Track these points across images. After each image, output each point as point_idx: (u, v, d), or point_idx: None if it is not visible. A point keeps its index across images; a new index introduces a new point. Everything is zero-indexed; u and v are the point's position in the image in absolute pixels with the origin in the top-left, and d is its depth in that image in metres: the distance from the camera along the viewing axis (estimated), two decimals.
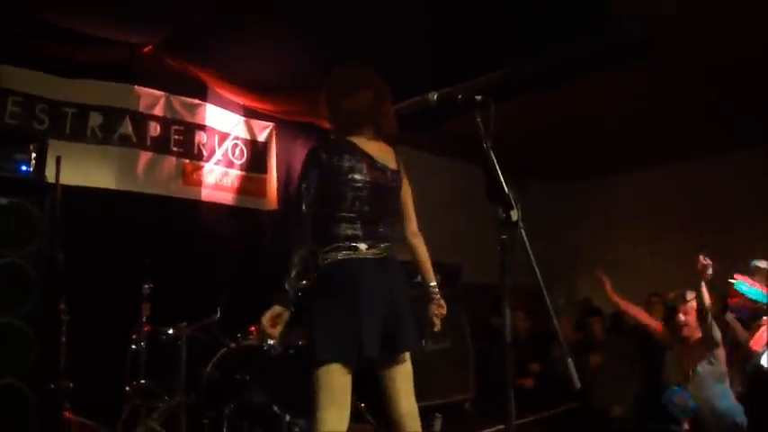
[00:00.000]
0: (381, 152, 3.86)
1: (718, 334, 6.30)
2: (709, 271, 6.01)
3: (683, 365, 6.45)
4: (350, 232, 3.63)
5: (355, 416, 6.97)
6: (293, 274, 3.55)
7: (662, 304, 8.99)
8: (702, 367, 6.33)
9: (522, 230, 2.75)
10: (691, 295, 6.51)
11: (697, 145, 10.38)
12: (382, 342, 3.53)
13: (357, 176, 3.67)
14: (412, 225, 4.05)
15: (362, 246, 3.63)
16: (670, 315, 6.83)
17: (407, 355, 3.79)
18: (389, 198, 3.84)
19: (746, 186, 10.41)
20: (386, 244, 3.74)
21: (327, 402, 3.47)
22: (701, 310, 6.28)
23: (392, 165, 3.88)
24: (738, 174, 10.53)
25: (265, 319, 3.56)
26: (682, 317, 6.48)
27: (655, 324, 7.04)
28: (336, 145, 3.78)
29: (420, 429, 3.79)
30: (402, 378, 3.78)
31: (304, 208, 3.63)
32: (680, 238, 11.13)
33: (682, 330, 6.48)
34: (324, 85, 4.01)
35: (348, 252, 3.61)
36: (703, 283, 6.10)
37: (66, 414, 5.68)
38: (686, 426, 6.41)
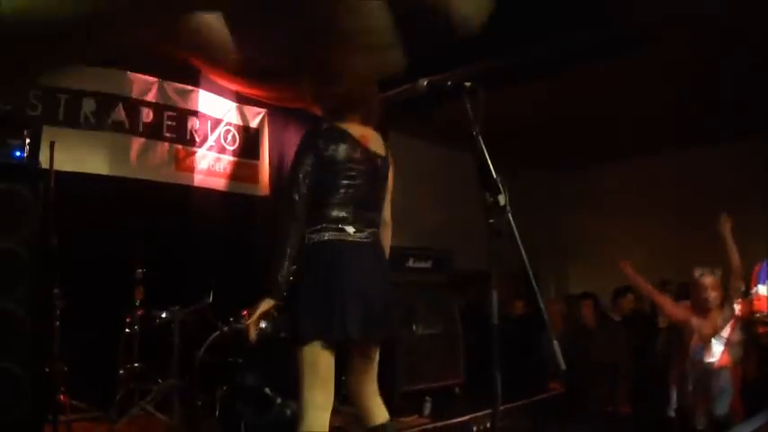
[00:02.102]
0: (372, 139, 3.83)
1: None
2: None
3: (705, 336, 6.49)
4: (338, 215, 3.60)
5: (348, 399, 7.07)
6: (285, 265, 3.50)
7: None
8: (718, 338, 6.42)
9: (510, 215, 2.79)
10: (718, 272, 6.58)
11: (687, 134, 10.43)
12: (364, 325, 3.50)
13: (352, 165, 3.65)
14: (386, 213, 3.97)
15: (350, 228, 3.61)
16: (695, 293, 6.82)
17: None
18: (379, 184, 3.83)
19: (735, 176, 10.49)
20: (373, 229, 3.75)
21: (312, 382, 3.47)
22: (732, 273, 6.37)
23: (382, 151, 3.85)
24: (727, 163, 10.60)
25: (254, 315, 3.54)
26: (711, 293, 6.51)
27: (680, 312, 6.99)
28: (330, 133, 3.70)
29: (383, 407, 3.80)
30: (375, 365, 3.82)
31: (297, 197, 3.56)
32: (668, 226, 11.23)
33: (709, 305, 6.52)
34: (308, 69, 3.98)
35: (334, 233, 3.58)
36: (728, 239, 6.15)
37: (61, 397, 5.73)
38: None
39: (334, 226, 3.59)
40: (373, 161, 3.76)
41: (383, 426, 3.76)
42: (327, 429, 3.47)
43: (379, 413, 3.78)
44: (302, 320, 3.47)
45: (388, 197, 3.95)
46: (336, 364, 3.54)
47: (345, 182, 3.63)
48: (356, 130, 3.75)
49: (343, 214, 3.61)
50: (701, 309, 6.51)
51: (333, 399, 3.55)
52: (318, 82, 3.86)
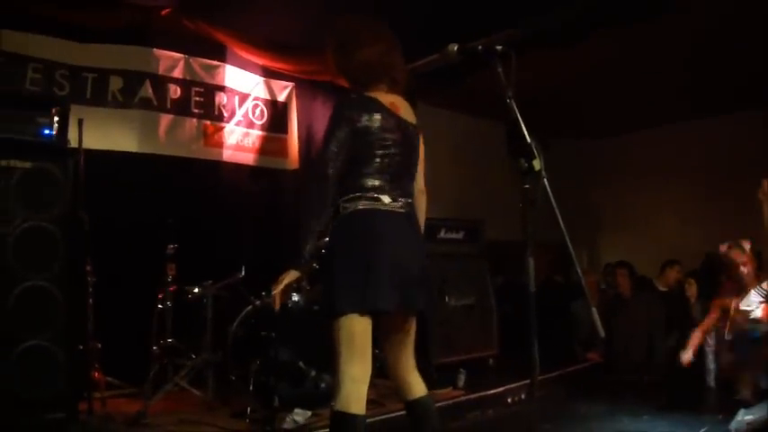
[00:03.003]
0: (402, 106, 3.71)
1: None
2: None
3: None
4: (373, 184, 3.49)
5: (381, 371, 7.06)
6: (314, 238, 3.40)
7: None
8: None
9: (546, 180, 2.73)
10: (747, 244, 6.49)
11: (718, 102, 10.27)
12: (399, 295, 3.39)
13: (387, 135, 3.54)
14: (420, 181, 3.85)
15: (385, 198, 3.50)
16: (727, 271, 6.75)
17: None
18: (413, 153, 3.71)
19: (765, 144, 10.33)
20: (408, 199, 3.63)
21: (349, 355, 3.37)
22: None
23: (412, 119, 3.73)
24: (760, 131, 10.42)
25: (278, 286, 3.41)
26: (743, 269, 6.44)
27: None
28: (362, 102, 3.60)
29: (421, 382, 3.69)
30: (412, 337, 3.72)
31: (331, 171, 3.43)
32: (699, 195, 11.09)
33: (744, 280, 6.45)
34: (329, 37, 3.79)
35: (369, 202, 3.48)
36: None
37: (96, 374, 5.78)
38: None
39: (370, 195, 3.48)
40: (405, 129, 3.65)
41: (421, 400, 3.66)
42: (365, 402, 3.38)
43: (417, 387, 3.67)
44: (337, 292, 3.36)
45: (421, 166, 3.83)
46: (372, 337, 3.47)
47: (380, 151, 3.53)
48: (385, 98, 3.64)
49: (378, 183, 3.50)
50: (738, 287, 6.45)
51: (370, 371, 3.45)
52: (340, 52, 3.74)
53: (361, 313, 3.35)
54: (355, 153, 3.50)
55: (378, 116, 3.53)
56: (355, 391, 3.35)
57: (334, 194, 3.46)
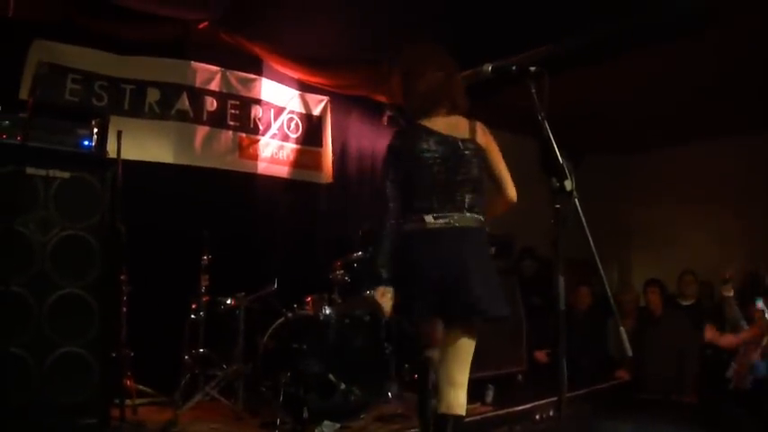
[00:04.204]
0: (450, 124, 3.93)
1: None
2: None
3: None
4: (421, 205, 3.79)
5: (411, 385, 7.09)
6: (381, 257, 3.82)
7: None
8: None
9: (577, 200, 2.77)
10: None
11: (756, 119, 10.18)
12: (431, 306, 3.71)
13: (427, 155, 3.81)
14: (497, 183, 4.09)
15: (429, 217, 3.76)
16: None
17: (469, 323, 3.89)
18: (463, 167, 3.86)
19: None
20: (460, 214, 3.80)
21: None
22: None
23: (463, 134, 3.91)
24: None
25: (388, 306, 3.81)
26: None
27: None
28: (405, 132, 3.99)
29: (454, 399, 3.80)
30: (456, 349, 3.86)
31: (391, 205, 3.84)
32: (732, 213, 10.98)
33: None
34: (394, 69, 4.19)
35: (414, 224, 3.79)
36: None
37: (128, 382, 5.83)
38: None
39: (416, 216, 3.79)
40: (453, 145, 3.85)
41: (443, 416, 3.79)
42: None
43: (443, 402, 3.80)
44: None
45: (501, 174, 4.04)
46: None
47: (426, 171, 3.81)
48: (440, 122, 3.92)
49: (425, 204, 3.79)
50: None
51: None
52: (404, 80, 4.03)
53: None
54: (406, 177, 3.85)
55: (418, 141, 3.85)
56: None
57: (395, 218, 3.85)
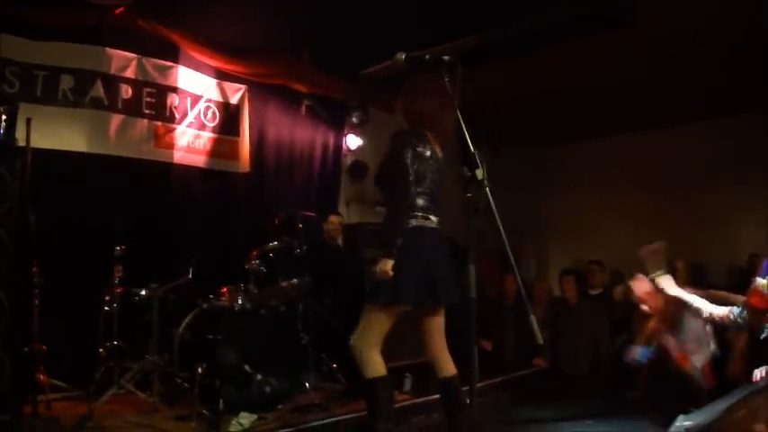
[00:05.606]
0: (440, 144, 4.60)
1: None
2: None
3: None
4: (423, 204, 4.43)
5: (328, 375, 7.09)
6: (399, 238, 4.29)
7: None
8: None
9: (488, 189, 2.79)
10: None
11: (672, 112, 10.41)
12: (427, 293, 4.36)
13: (432, 162, 4.47)
14: None
15: (433, 216, 4.48)
16: None
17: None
18: (441, 180, 4.58)
19: (714, 153, 10.54)
20: (438, 217, 4.54)
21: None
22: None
23: (440, 152, 4.60)
24: (707, 141, 10.65)
25: (389, 271, 4.22)
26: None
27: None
28: (416, 134, 4.48)
29: (449, 362, 4.56)
30: (441, 323, 4.65)
31: (410, 186, 4.34)
32: (647, 204, 11.24)
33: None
34: (399, 91, 4.70)
35: (421, 220, 4.42)
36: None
37: (41, 377, 5.72)
38: None
39: (420, 214, 4.43)
40: (438, 160, 4.56)
41: (451, 378, 4.52)
42: None
43: (447, 366, 4.55)
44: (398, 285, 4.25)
45: None
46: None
47: (429, 175, 4.46)
48: (431, 136, 4.56)
49: (425, 203, 4.44)
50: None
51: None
52: (403, 102, 4.68)
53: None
54: (415, 173, 4.38)
55: (428, 146, 4.49)
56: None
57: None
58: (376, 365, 4.36)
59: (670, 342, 6.44)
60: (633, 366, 6.63)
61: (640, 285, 6.71)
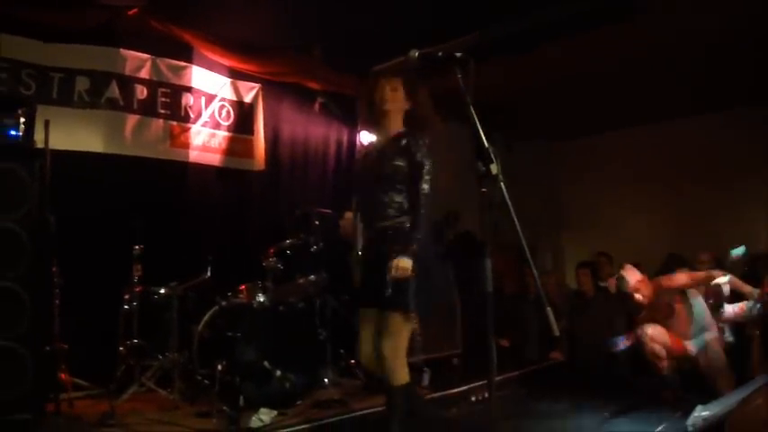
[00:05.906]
0: None
1: None
2: None
3: None
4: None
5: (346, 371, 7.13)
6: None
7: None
8: None
9: (503, 184, 2.81)
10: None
11: (684, 104, 10.38)
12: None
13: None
14: None
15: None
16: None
17: None
18: None
19: (733, 146, 10.45)
20: None
21: None
22: None
23: None
24: (725, 133, 10.54)
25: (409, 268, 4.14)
26: None
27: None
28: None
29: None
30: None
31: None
32: (666, 198, 11.21)
33: None
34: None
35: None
36: None
37: (62, 375, 5.78)
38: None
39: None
40: None
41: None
42: None
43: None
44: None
45: None
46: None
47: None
48: None
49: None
50: None
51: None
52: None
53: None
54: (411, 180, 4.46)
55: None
56: None
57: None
58: (404, 373, 4.29)
59: (648, 332, 6.49)
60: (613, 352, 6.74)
61: (633, 275, 6.73)
